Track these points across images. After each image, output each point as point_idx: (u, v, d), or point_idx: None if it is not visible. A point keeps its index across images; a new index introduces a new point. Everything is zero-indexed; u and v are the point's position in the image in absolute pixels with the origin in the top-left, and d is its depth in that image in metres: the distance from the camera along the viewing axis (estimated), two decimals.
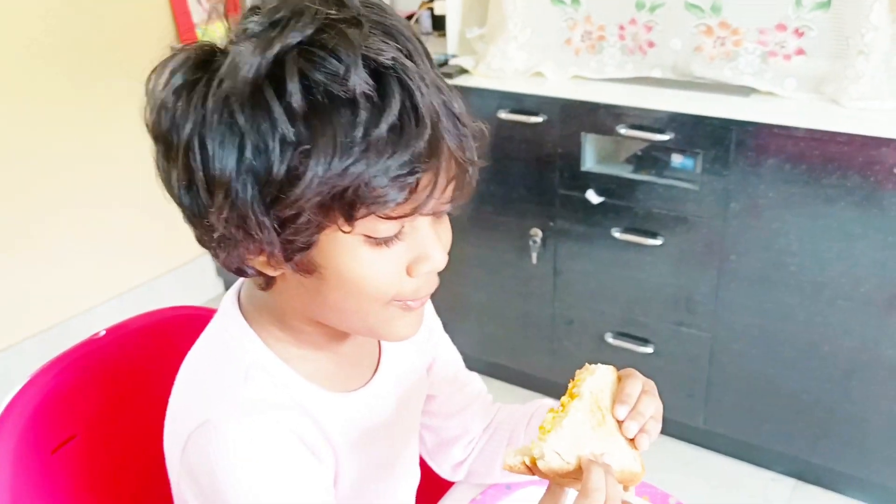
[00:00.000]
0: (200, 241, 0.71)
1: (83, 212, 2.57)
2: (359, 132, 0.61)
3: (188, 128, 0.64)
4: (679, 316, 2.06)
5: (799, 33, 1.88)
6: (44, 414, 0.89)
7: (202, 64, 0.66)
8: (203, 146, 0.63)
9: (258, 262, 0.70)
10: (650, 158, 2.06)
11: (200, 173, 0.64)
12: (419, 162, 0.63)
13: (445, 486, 1.02)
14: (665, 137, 1.92)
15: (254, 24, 0.64)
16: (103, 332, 0.97)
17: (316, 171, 0.61)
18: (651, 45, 2.06)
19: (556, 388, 2.40)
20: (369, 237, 0.67)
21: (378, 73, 0.62)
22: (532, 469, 0.71)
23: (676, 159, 2.00)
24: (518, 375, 2.40)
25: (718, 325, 2.02)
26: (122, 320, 1.00)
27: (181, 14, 2.66)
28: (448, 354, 1.00)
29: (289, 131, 0.61)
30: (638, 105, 1.95)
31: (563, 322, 2.26)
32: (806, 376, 1.95)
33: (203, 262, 3.01)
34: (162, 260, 2.87)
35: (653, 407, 0.76)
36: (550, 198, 2.13)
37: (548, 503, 0.73)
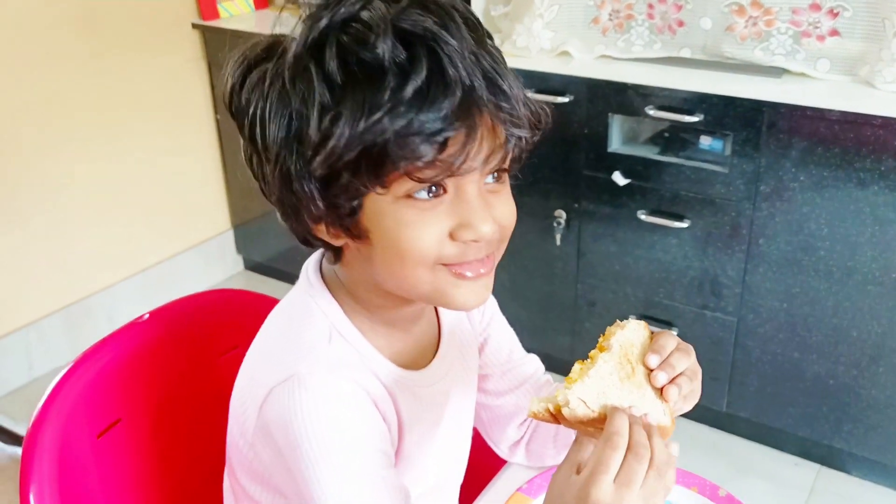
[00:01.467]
0: (280, 216, 0.76)
1: (103, 188, 2.56)
2: (385, 94, 0.65)
3: (252, 105, 0.71)
4: (704, 299, 2.05)
5: (833, 14, 1.85)
6: (88, 399, 0.89)
7: (268, 48, 0.72)
8: (262, 120, 0.70)
9: (321, 231, 0.74)
10: (678, 140, 2.04)
11: (260, 145, 0.71)
12: (446, 122, 0.66)
13: (495, 470, 1.02)
14: (694, 119, 1.90)
15: (314, 8, 0.70)
16: (146, 316, 0.97)
17: (344, 130, 0.66)
18: (680, 24, 2.03)
19: None
20: (410, 197, 0.69)
21: (409, 42, 0.66)
22: (556, 417, 0.71)
23: (705, 141, 1.98)
24: (540, 356, 2.38)
25: (744, 308, 2.01)
26: (165, 303, 1.00)
27: None
28: (502, 334, 1.00)
29: (325, 97, 0.67)
30: (667, 85, 1.92)
31: (586, 304, 2.25)
32: (832, 361, 1.94)
33: (223, 239, 3.00)
34: (182, 237, 2.86)
35: (685, 364, 0.75)
36: (575, 179, 2.11)
37: (575, 453, 0.72)
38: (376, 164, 0.66)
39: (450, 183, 0.70)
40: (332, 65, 0.66)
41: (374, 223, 0.71)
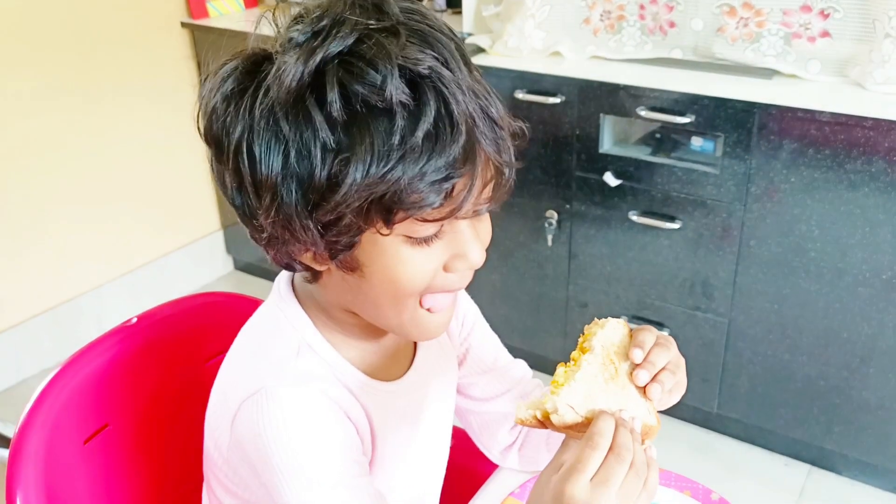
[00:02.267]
0: (253, 237, 0.74)
1: (93, 189, 2.55)
2: (395, 139, 0.63)
3: (237, 133, 0.67)
4: (695, 300, 2.05)
5: (824, 15, 1.85)
6: (75, 404, 0.88)
7: (250, 72, 0.69)
8: (251, 151, 0.67)
9: (306, 258, 0.73)
10: (670, 141, 2.04)
11: (248, 177, 0.68)
12: (455, 167, 0.65)
13: (483, 475, 1.02)
14: (685, 120, 1.90)
15: (298, 33, 0.67)
16: (134, 320, 0.96)
17: (355, 177, 0.64)
18: (672, 25, 2.03)
19: None
20: (409, 237, 0.69)
21: (414, 82, 0.64)
22: (544, 423, 0.71)
23: (696, 142, 1.98)
24: (531, 358, 2.35)
25: (735, 310, 2.01)
26: (153, 307, 0.99)
27: None
28: (485, 341, 1.00)
29: (329, 139, 0.64)
30: (658, 86, 1.92)
31: (578, 305, 2.24)
32: (823, 362, 1.94)
33: (213, 240, 2.99)
34: (171, 237, 2.85)
35: (665, 358, 0.75)
36: (567, 180, 2.11)
37: (561, 455, 0.72)
38: (386, 210, 0.66)
39: (446, 221, 0.70)
40: (335, 103, 0.63)
41: (370, 258, 0.70)
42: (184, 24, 2.65)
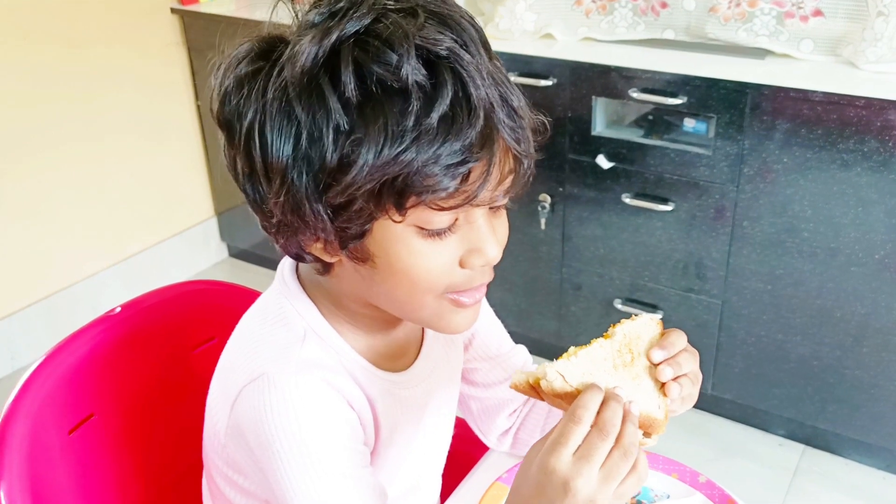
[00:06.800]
0: (263, 227, 0.73)
1: (86, 177, 2.54)
2: (410, 121, 0.62)
3: (249, 116, 0.66)
4: (689, 282, 2.05)
5: None
6: (60, 394, 0.88)
7: (264, 54, 0.67)
8: (262, 134, 0.65)
9: (316, 248, 0.71)
10: (662, 123, 2.03)
11: (259, 161, 0.66)
12: (471, 152, 0.63)
13: (475, 458, 1.02)
14: (678, 101, 1.89)
15: (315, 14, 0.66)
16: (118, 309, 0.96)
17: (367, 158, 0.62)
18: (664, 5, 2.01)
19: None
20: (422, 228, 0.67)
21: (432, 63, 0.63)
22: (536, 389, 0.70)
23: (689, 123, 1.97)
24: (526, 341, 2.35)
25: (729, 291, 2.00)
26: (137, 296, 0.98)
27: None
28: (490, 327, 1.00)
29: (342, 120, 0.63)
30: (650, 68, 1.91)
31: (572, 288, 2.24)
32: (816, 342, 1.94)
33: (207, 227, 2.98)
34: (165, 224, 2.84)
35: (691, 366, 0.75)
36: (560, 163, 2.10)
37: (552, 430, 0.71)
38: (398, 193, 0.64)
39: (461, 210, 0.68)
40: (349, 83, 0.62)
41: (381, 248, 0.69)
42: (173, 10, 2.63)
